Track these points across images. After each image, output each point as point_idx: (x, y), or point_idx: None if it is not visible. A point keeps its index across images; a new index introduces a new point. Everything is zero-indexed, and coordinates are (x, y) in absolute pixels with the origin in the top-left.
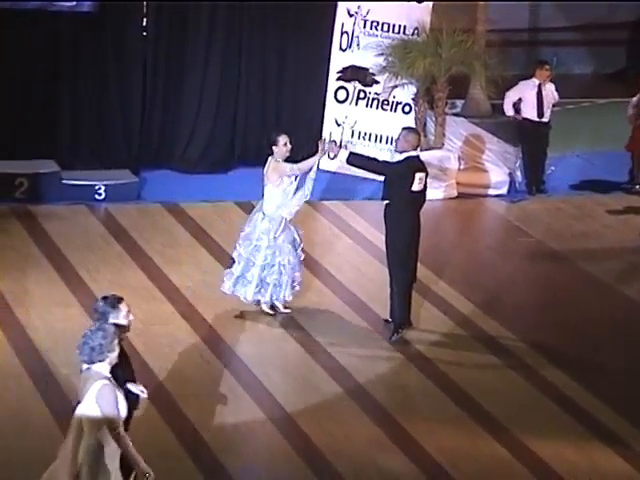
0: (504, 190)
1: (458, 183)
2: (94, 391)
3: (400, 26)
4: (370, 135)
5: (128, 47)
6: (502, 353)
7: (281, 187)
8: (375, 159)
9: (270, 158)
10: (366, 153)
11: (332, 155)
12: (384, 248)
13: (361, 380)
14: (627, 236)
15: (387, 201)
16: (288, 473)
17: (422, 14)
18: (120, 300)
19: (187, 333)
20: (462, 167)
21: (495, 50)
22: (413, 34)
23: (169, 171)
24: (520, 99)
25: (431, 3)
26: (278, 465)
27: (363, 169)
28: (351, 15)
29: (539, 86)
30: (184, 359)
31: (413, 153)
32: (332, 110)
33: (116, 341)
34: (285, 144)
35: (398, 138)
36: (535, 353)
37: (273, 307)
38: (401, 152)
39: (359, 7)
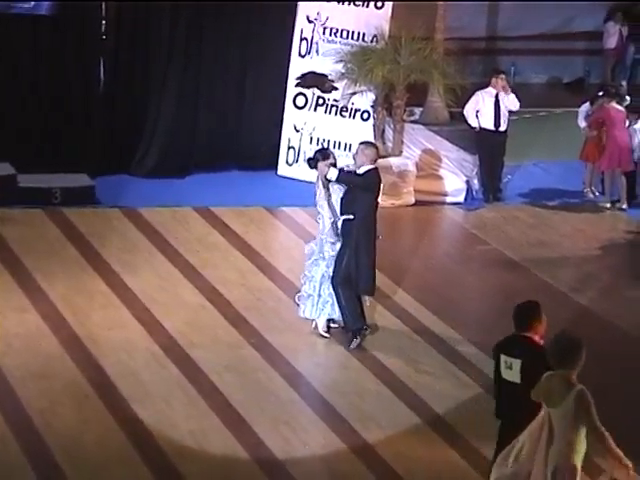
0: (461, 198)
1: (416, 190)
2: None
3: (359, 33)
4: (329, 142)
5: (87, 49)
6: (458, 360)
7: None
8: (352, 172)
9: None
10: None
11: (324, 175)
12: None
13: (317, 386)
14: (582, 245)
15: (350, 216)
16: (243, 479)
17: (381, 21)
18: None
19: (143, 338)
20: (420, 174)
21: (453, 58)
22: (372, 41)
23: (127, 175)
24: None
25: (390, 10)
26: (234, 472)
27: (348, 183)
28: (310, 21)
29: (496, 96)
30: (140, 364)
31: (372, 166)
32: (291, 116)
33: None
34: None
35: (357, 152)
36: (491, 360)
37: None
38: (359, 166)
39: (318, 14)
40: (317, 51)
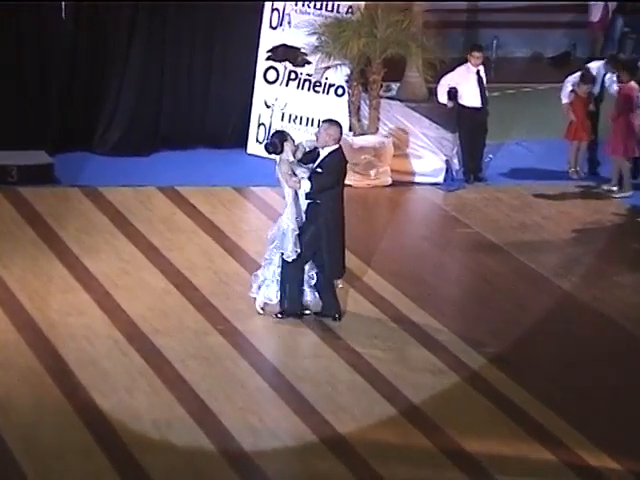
0: (440, 178)
1: (392, 170)
2: None
3: (333, 4)
4: (301, 118)
5: (47, 24)
6: (435, 348)
7: None
8: (322, 173)
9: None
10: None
11: (297, 189)
12: None
13: (288, 375)
14: (566, 228)
15: (317, 200)
16: (210, 473)
17: None
18: None
19: (104, 324)
20: (397, 153)
21: (433, 31)
22: (347, 13)
23: (87, 153)
24: (454, 87)
25: None
26: (200, 465)
27: (325, 189)
28: None
29: (478, 72)
30: (101, 352)
31: (335, 146)
32: (262, 91)
33: None
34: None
35: (319, 131)
36: (469, 348)
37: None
38: (323, 147)
39: None
40: (289, 23)
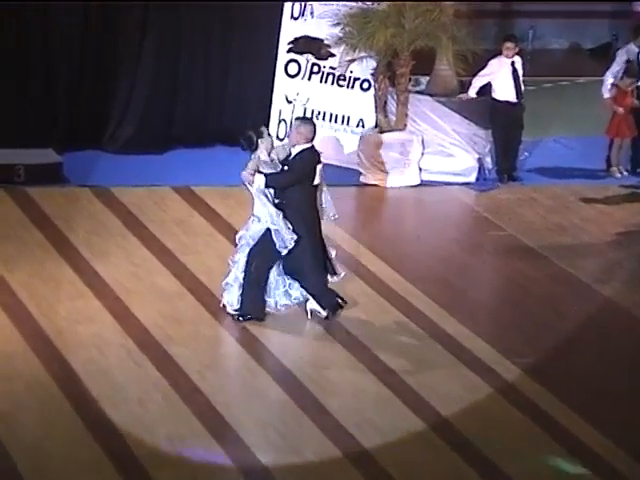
0: (472, 177)
1: (421, 169)
2: None
3: None
4: (324, 114)
5: (54, 22)
6: (466, 357)
7: None
8: (284, 171)
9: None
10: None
11: (250, 183)
12: (337, 240)
13: (310, 387)
14: (607, 230)
15: (283, 201)
16: None
17: None
18: None
19: (116, 332)
20: (426, 151)
21: (464, 21)
22: (373, 2)
23: (98, 151)
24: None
25: None
26: None
27: (282, 186)
28: None
29: (512, 64)
30: (112, 361)
31: (307, 145)
32: (282, 85)
33: None
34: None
35: (291, 129)
36: (502, 358)
37: None
38: (294, 145)
39: None
40: (312, 13)
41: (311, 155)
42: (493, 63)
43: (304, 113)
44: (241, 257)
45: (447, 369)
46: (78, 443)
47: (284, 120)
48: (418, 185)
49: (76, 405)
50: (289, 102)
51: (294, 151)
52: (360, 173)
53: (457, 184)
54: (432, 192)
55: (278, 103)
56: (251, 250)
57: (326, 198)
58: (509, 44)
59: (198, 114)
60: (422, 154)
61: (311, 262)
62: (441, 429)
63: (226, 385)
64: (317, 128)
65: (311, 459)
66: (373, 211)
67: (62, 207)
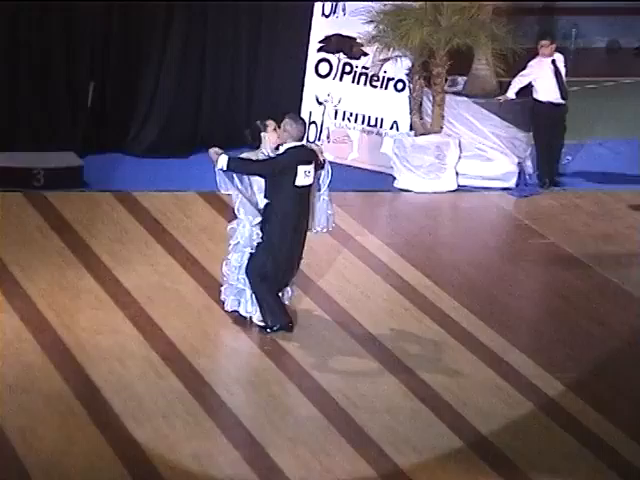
0: (512, 182)
1: (458, 174)
2: None
3: None
4: (356, 116)
5: (78, 14)
6: (506, 372)
7: None
8: (254, 160)
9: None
10: (244, 156)
11: (214, 161)
12: (371, 248)
13: (342, 402)
14: None
15: (267, 200)
16: None
17: None
18: None
19: (139, 344)
20: (464, 155)
21: (504, 19)
22: None
23: (120, 154)
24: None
25: None
26: None
27: (244, 173)
28: None
29: (553, 62)
30: (135, 374)
31: (295, 144)
32: (313, 86)
33: None
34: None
35: (281, 128)
36: (544, 372)
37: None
38: (282, 144)
39: None
40: (344, 10)
41: (295, 153)
42: (533, 64)
43: (335, 115)
44: (235, 257)
45: (485, 383)
46: (99, 460)
47: (314, 122)
48: (455, 191)
49: (97, 420)
50: (320, 103)
51: (281, 148)
52: (394, 178)
53: (496, 189)
54: (469, 198)
55: (308, 104)
56: (252, 257)
57: (321, 207)
58: (544, 42)
59: (224, 116)
60: (459, 158)
61: (268, 270)
62: (479, 447)
63: (254, 400)
64: (306, 127)
65: (343, 478)
66: (407, 218)
67: (83, 213)
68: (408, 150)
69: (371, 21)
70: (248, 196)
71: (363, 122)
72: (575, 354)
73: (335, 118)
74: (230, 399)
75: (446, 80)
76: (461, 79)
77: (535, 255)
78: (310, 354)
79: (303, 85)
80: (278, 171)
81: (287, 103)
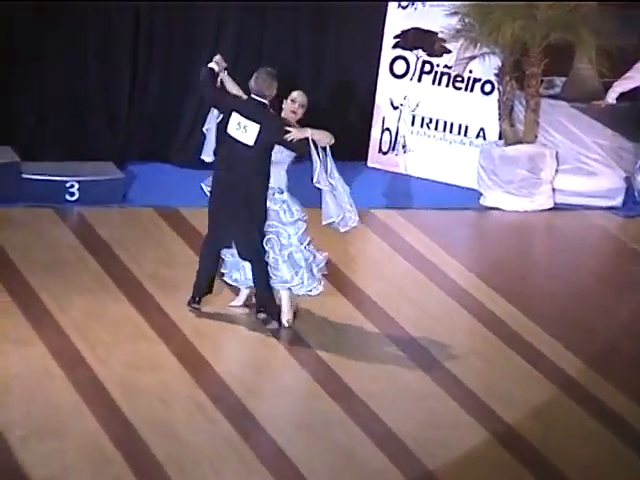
0: (618, 201)
1: (555, 190)
2: None
3: None
4: (437, 122)
5: (114, 13)
6: (614, 423)
7: None
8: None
9: None
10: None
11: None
12: (451, 274)
13: (416, 451)
14: None
15: None
16: None
17: None
18: None
19: (184, 382)
20: (561, 168)
21: (610, 11)
22: None
23: (165, 165)
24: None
25: None
26: None
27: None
28: None
29: None
30: (180, 417)
31: (256, 97)
32: (387, 88)
33: None
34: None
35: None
36: None
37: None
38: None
39: None
40: (423, 1)
41: (238, 101)
42: (639, 66)
43: (412, 121)
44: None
45: (588, 435)
46: None
47: (388, 129)
48: (551, 209)
49: (136, 469)
50: (395, 108)
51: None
52: (480, 194)
53: (599, 208)
54: (568, 217)
55: (382, 109)
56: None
57: (323, 197)
58: None
59: None
60: (556, 172)
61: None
62: None
63: (315, 447)
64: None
65: None
66: (495, 239)
67: (122, 231)
68: (496, 162)
69: (455, 13)
70: None
71: (444, 129)
72: None
73: (412, 125)
74: (287, 445)
75: (541, 82)
76: (559, 80)
77: None
78: (381, 396)
79: (376, 87)
80: (211, 102)
81: (357, 107)
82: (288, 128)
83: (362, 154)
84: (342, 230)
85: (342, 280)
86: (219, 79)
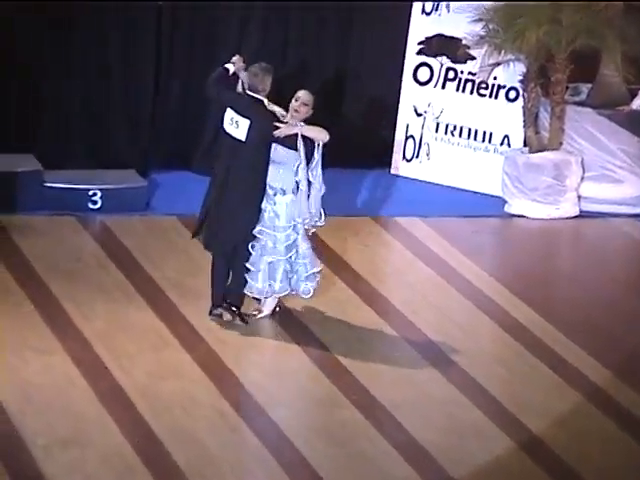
0: None
1: (580, 197)
2: None
3: None
4: (461, 129)
5: (137, 14)
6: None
7: None
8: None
9: None
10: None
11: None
12: (475, 282)
13: (443, 463)
14: None
15: None
16: None
17: None
18: None
19: (208, 391)
20: (587, 175)
21: (635, 16)
22: None
23: (188, 172)
24: None
25: None
26: None
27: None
28: None
29: None
30: (203, 426)
31: (250, 93)
32: (411, 95)
33: None
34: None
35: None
36: None
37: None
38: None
39: None
40: (447, 7)
41: (234, 96)
42: None
43: (436, 128)
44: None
45: (612, 443)
46: None
47: (412, 136)
48: (576, 217)
49: (159, 478)
50: (419, 115)
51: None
52: (504, 201)
53: (625, 216)
54: (593, 225)
55: (406, 116)
56: None
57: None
58: None
59: None
60: (581, 179)
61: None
62: None
63: (338, 456)
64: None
65: None
66: (520, 247)
67: (145, 239)
68: (521, 169)
69: (479, 19)
70: None
71: (469, 137)
72: None
73: (436, 132)
74: (311, 456)
75: (567, 88)
76: (585, 87)
77: None
78: (405, 404)
79: (399, 93)
80: (210, 97)
81: (380, 114)
82: (277, 124)
83: (386, 161)
84: (310, 233)
85: (366, 288)
86: (240, 80)
